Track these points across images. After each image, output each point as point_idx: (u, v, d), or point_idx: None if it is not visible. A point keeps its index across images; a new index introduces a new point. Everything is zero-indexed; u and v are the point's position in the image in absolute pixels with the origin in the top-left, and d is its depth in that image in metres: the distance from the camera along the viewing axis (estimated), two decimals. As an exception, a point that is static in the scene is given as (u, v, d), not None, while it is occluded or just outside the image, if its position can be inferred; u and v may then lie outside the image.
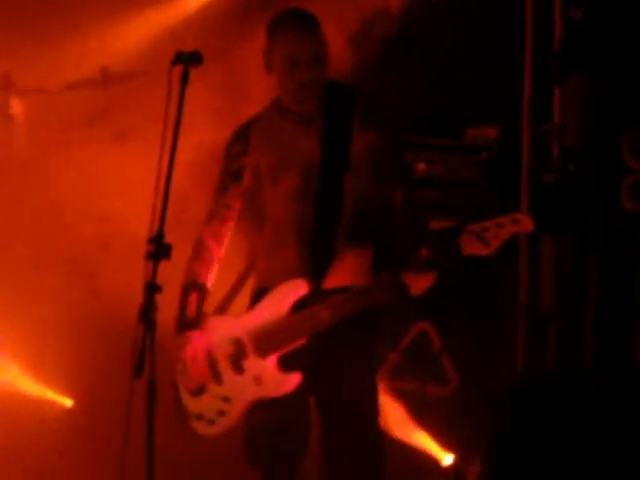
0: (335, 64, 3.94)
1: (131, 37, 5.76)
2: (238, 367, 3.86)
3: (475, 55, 5.29)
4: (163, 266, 3.50)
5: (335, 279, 3.82)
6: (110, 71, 5.67)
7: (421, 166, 5.26)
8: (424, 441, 5.10)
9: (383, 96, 4.78)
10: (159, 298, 3.47)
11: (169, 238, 3.50)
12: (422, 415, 5.13)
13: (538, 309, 5.20)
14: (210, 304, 4.10)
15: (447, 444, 5.10)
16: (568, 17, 5.15)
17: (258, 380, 3.83)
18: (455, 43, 5.33)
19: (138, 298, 3.47)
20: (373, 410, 3.92)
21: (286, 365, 3.82)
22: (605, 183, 5.01)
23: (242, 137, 4.00)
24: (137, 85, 5.58)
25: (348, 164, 3.83)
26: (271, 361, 3.82)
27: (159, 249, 3.47)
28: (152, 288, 3.45)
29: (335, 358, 3.83)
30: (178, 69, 3.55)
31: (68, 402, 5.76)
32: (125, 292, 4.22)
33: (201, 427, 3.93)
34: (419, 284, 3.71)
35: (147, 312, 3.43)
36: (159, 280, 3.47)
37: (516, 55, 5.19)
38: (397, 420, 5.06)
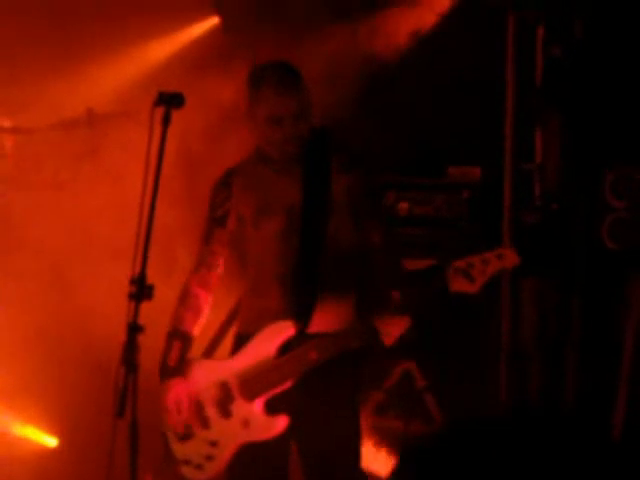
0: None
1: (117, 77, 5.79)
2: (225, 411, 3.84)
3: (457, 94, 5.31)
4: (147, 305, 3.51)
5: (319, 323, 3.80)
6: (95, 111, 5.70)
7: (404, 205, 5.27)
8: None
9: (364, 137, 4.81)
10: (142, 338, 3.48)
11: (151, 277, 3.51)
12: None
13: (520, 347, 5.20)
14: (200, 346, 4.09)
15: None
16: (549, 55, 5.19)
17: (246, 424, 3.81)
18: (436, 82, 5.36)
19: (123, 336, 3.48)
20: (355, 455, 3.91)
21: (272, 408, 3.81)
22: (587, 222, 5.03)
23: (225, 185, 3.99)
24: (123, 125, 5.60)
25: (329, 207, 3.83)
26: (258, 404, 3.80)
27: (141, 290, 3.48)
28: (134, 329, 3.46)
29: (318, 403, 3.81)
30: (160, 110, 3.57)
31: (52, 441, 5.73)
32: (113, 329, 4.22)
33: (189, 472, 3.91)
34: (392, 330, 3.68)
35: (129, 353, 3.44)
36: (142, 320, 3.48)
37: (498, 95, 5.22)
38: (380, 458, 5.05)
